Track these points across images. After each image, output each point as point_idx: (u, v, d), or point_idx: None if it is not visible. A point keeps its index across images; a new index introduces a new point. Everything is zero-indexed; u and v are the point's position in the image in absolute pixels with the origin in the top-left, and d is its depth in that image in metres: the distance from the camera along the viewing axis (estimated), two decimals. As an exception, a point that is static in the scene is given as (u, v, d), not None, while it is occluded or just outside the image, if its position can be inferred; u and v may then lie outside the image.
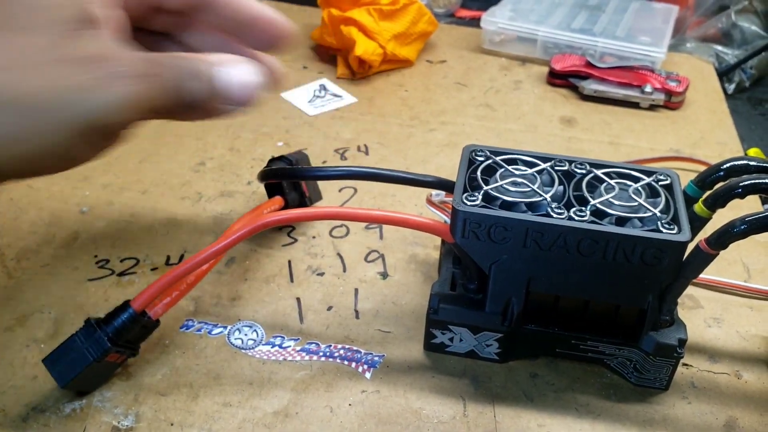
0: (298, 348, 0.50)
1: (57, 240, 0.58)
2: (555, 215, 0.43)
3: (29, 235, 0.59)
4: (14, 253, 0.57)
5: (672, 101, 0.81)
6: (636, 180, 0.46)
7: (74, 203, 0.62)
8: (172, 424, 0.44)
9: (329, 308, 0.53)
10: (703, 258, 0.42)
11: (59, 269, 0.55)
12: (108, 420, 0.44)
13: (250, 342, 0.50)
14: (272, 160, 0.59)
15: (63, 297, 0.53)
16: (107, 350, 0.43)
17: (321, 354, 0.50)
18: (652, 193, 0.46)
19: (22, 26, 0.31)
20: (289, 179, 0.58)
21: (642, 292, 0.44)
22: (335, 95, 0.81)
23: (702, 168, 0.54)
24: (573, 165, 0.47)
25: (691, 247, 0.42)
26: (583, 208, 0.43)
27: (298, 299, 0.54)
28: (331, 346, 0.50)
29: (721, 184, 0.44)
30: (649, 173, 0.47)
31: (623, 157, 0.73)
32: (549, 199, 0.44)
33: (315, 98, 0.80)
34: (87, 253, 0.57)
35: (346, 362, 0.49)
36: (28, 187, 0.64)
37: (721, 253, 0.42)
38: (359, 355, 0.50)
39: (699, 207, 0.44)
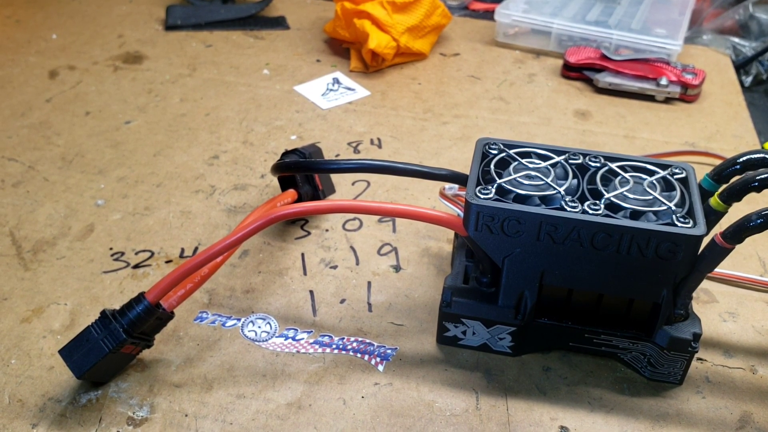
0: (311, 340, 0.50)
1: (73, 232, 0.59)
2: (569, 209, 0.42)
3: (45, 227, 0.59)
4: (31, 246, 0.57)
5: (688, 94, 0.80)
6: (651, 173, 0.46)
7: (90, 196, 0.63)
8: (186, 415, 0.45)
9: (342, 301, 0.53)
10: (718, 252, 0.42)
11: (75, 261, 0.56)
12: (123, 410, 0.45)
13: (264, 334, 0.51)
14: (285, 154, 0.59)
15: (78, 289, 0.53)
16: (123, 341, 0.43)
17: (334, 346, 0.50)
18: (667, 186, 0.45)
19: None
20: (303, 172, 0.58)
21: (656, 286, 0.44)
22: (348, 88, 0.81)
23: (718, 161, 0.53)
24: (587, 158, 0.47)
25: (706, 241, 0.42)
26: (598, 202, 0.43)
27: (311, 292, 0.54)
28: (344, 338, 0.50)
29: (737, 177, 0.43)
30: (664, 166, 0.46)
31: (638, 151, 0.72)
32: (563, 193, 0.44)
33: (328, 91, 0.80)
34: (102, 245, 0.58)
35: (359, 355, 0.49)
36: (44, 180, 0.64)
37: (737, 247, 0.41)
38: (372, 348, 0.50)
39: (715, 201, 0.43)
